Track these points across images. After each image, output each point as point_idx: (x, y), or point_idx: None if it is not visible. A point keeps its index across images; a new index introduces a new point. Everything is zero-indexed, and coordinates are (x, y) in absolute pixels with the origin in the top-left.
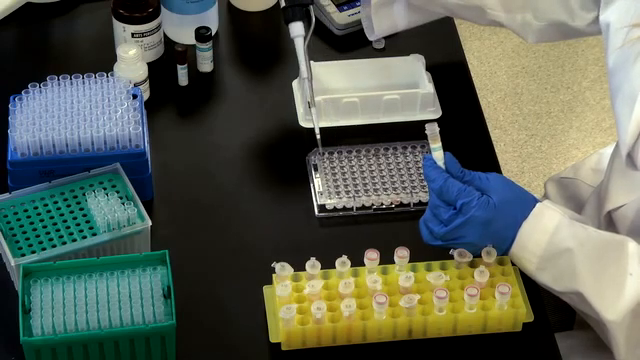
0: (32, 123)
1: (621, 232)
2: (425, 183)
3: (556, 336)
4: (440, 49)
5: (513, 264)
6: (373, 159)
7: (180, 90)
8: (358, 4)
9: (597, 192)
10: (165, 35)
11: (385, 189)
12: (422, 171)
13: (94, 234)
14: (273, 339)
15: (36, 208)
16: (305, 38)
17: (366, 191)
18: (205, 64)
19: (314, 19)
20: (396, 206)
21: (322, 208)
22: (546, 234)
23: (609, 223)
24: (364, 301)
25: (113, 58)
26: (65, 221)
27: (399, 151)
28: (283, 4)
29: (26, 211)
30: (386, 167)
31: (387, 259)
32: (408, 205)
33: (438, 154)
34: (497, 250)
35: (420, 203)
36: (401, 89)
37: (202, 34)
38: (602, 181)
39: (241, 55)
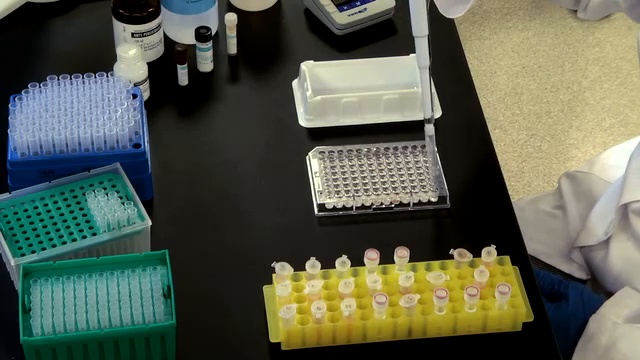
0: (32, 123)
1: (634, 226)
2: (425, 183)
3: None
4: (440, 49)
5: (513, 264)
6: (373, 159)
7: (180, 90)
8: (358, 4)
9: (614, 187)
10: (165, 35)
11: (385, 189)
12: (421, 171)
13: (94, 234)
14: (273, 339)
15: (36, 208)
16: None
17: (366, 191)
18: (205, 64)
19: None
20: (395, 206)
21: (322, 207)
22: None
23: (623, 216)
24: (364, 301)
25: (113, 58)
26: (65, 221)
27: (399, 151)
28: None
29: (26, 211)
30: (386, 167)
31: (387, 259)
32: (407, 205)
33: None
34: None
35: (420, 203)
36: (401, 89)
37: (202, 34)
38: (621, 176)
39: (241, 55)
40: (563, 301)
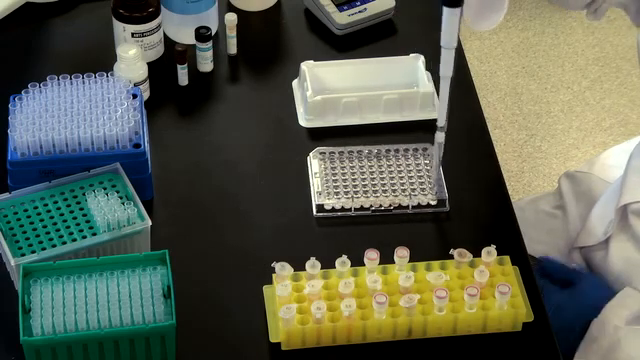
0: (32, 123)
1: (634, 227)
2: (424, 186)
3: None
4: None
5: (513, 264)
6: (374, 160)
7: (180, 90)
8: (358, 4)
9: (613, 187)
10: (165, 35)
11: (384, 191)
12: (421, 174)
13: (94, 234)
14: (273, 339)
15: (36, 208)
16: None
17: (365, 192)
18: (205, 64)
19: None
20: (394, 208)
21: (320, 208)
22: None
23: (622, 217)
24: (364, 301)
25: (113, 58)
26: (65, 221)
27: (400, 153)
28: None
29: (26, 211)
30: (386, 169)
31: (387, 259)
32: (406, 207)
33: None
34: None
35: (419, 206)
36: (401, 89)
37: (202, 34)
38: (620, 176)
39: (241, 55)
40: (577, 285)
